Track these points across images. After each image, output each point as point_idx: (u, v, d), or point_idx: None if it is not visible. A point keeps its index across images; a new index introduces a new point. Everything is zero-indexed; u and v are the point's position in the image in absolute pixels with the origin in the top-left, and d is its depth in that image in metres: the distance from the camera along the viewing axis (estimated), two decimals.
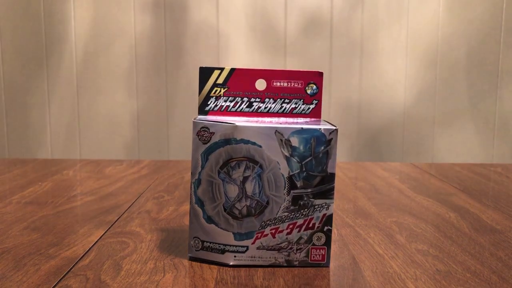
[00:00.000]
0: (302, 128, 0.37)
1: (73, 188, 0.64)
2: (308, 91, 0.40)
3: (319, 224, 0.38)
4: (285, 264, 0.38)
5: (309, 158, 0.37)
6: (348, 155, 1.29)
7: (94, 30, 1.24)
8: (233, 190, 0.37)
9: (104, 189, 0.64)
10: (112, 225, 0.48)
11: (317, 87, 0.40)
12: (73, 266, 0.37)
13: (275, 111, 0.40)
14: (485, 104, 1.26)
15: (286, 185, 0.37)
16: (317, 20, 1.24)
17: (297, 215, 0.37)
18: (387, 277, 0.36)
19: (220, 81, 0.40)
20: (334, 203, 0.58)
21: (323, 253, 0.38)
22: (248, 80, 0.40)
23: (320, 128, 0.37)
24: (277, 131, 0.37)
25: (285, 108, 0.40)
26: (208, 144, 0.37)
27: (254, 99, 0.40)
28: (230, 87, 0.40)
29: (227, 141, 0.37)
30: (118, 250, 0.41)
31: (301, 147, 0.37)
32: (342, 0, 1.23)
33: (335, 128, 0.37)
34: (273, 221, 0.38)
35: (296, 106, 0.40)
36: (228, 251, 0.38)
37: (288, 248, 0.38)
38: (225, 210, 0.38)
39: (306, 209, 0.37)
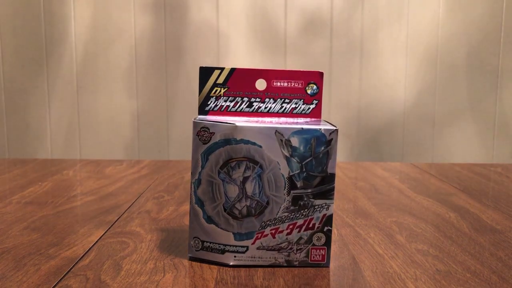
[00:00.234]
0: (302, 128, 0.37)
1: (73, 188, 0.64)
2: (308, 91, 0.40)
3: (319, 224, 0.38)
4: (285, 264, 0.38)
5: (309, 159, 0.37)
6: (348, 155, 1.29)
7: (94, 30, 1.24)
8: (233, 190, 0.37)
9: (104, 189, 0.64)
10: (112, 225, 0.48)
11: (318, 87, 0.40)
12: (73, 266, 0.37)
13: (275, 111, 0.40)
14: (485, 104, 1.26)
15: (286, 185, 0.37)
16: (317, 20, 1.24)
17: (297, 215, 0.37)
18: (387, 277, 0.36)
19: (220, 81, 0.40)
20: (334, 203, 0.58)
21: (323, 254, 0.38)
22: (248, 80, 0.40)
23: (320, 129, 0.37)
24: (277, 131, 0.37)
25: (285, 108, 0.40)
26: (208, 144, 0.37)
27: (254, 99, 0.40)
28: (230, 87, 0.40)
29: (227, 141, 0.37)
30: (118, 250, 0.41)
31: (301, 147, 0.37)
32: (342, 0, 1.23)
33: (335, 128, 0.37)
34: (273, 221, 0.38)
35: (296, 106, 0.40)
36: (228, 251, 0.38)
37: (288, 248, 0.38)
38: (225, 210, 0.38)
39: (306, 210, 0.37)
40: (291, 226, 0.38)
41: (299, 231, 0.38)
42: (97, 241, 0.43)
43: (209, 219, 0.38)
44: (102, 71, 1.26)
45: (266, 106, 0.40)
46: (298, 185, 0.37)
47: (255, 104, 0.40)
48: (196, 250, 0.39)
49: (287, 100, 0.40)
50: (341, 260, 0.39)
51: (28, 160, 0.85)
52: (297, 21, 1.24)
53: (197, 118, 0.38)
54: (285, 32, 1.24)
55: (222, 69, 0.40)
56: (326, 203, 0.37)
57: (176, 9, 1.23)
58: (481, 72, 1.25)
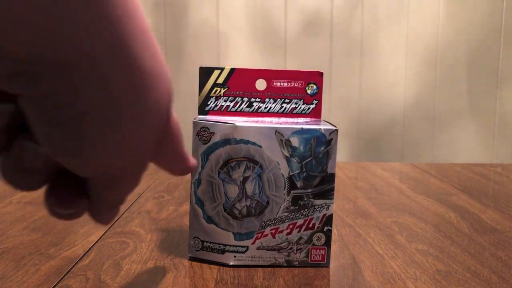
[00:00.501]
0: (302, 128, 0.37)
1: None
2: (308, 91, 0.40)
3: (319, 224, 0.38)
4: (285, 264, 0.38)
5: (309, 158, 0.37)
6: (348, 155, 1.29)
7: None
8: (233, 190, 0.37)
9: None
10: (112, 225, 0.48)
11: (317, 87, 0.40)
12: (73, 266, 0.37)
13: (275, 111, 0.40)
14: (485, 104, 1.26)
15: (286, 185, 0.37)
16: (317, 20, 1.24)
17: (297, 215, 0.37)
18: (387, 277, 0.36)
19: (220, 81, 0.40)
20: (334, 203, 0.58)
21: (323, 253, 0.38)
22: (248, 80, 0.40)
23: (320, 128, 0.37)
24: (277, 131, 0.37)
25: (285, 108, 0.40)
26: (208, 144, 0.37)
27: (254, 99, 0.40)
28: (230, 87, 0.40)
29: (227, 141, 0.37)
30: (118, 250, 0.41)
31: (301, 147, 0.37)
32: (342, 0, 1.23)
33: (335, 128, 0.37)
34: (273, 221, 0.38)
35: (296, 106, 0.40)
36: (228, 251, 0.38)
37: (288, 248, 0.38)
38: (225, 210, 0.38)
39: (306, 209, 0.37)
40: (291, 226, 0.38)
41: (299, 231, 0.38)
42: (97, 241, 0.43)
43: (209, 219, 0.38)
44: None
45: (266, 106, 0.40)
46: (298, 185, 0.37)
47: (255, 104, 0.40)
48: (196, 250, 0.39)
49: (287, 100, 0.40)
50: (341, 260, 0.39)
51: None
52: (297, 21, 1.24)
53: (197, 118, 0.38)
54: (285, 32, 1.24)
55: (222, 69, 0.40)
56: (326, 203, 0.37)
57: (176, 9, 1.23)
58: (481, 72, 1.25)
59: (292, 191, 0.37)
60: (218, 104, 0.40)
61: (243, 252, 0.38)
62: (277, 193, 0.37)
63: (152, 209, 0.55)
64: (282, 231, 0.38)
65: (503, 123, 1.27)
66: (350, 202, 0.59)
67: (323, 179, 0.37)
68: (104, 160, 0.19)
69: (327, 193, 0.37)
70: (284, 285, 0.35)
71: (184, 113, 1.27)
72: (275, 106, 0.40)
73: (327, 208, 0.38)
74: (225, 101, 0.40)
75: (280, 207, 0.37)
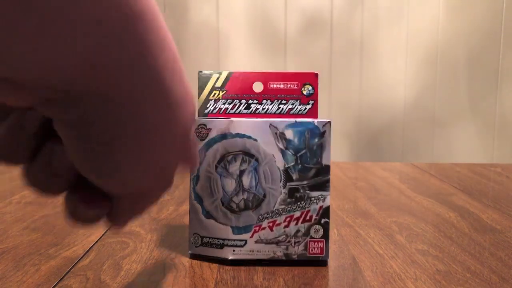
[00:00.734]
0: (296, 121, 0.37)
1: None
2: (304, 92, 0.41)
3: (316, 216, 0.38)
4: (283, 258, 0.38)
5: (304, 151, 0.37)
6: (348, 155, 1.29)
7: None
8: (230, 184, 0.38)
9: None
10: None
11: (313, 88, 0.41)
12: (73, 266, 0.37)
13: (272, 112, 0.41)
14: (485, 104, 1.26)
15: (282, 177, 0.38)
16: (317, 20, 1.24)
17: (294, 207, 0.38)
18: (387, 277, 0.36)
19: (218, 84, 0.41)
20: (334, 203, 0.58)
21: (322, 246, 0.38)
22: (245, 83, 0.41)
23: (313, 121, 0.37)
24: (272, 125, 0.37)
25: (282, 109, 0.41)
26: (206, 140, 0.38)
27: (252, 101, 0.41)
28: (228, 90, 0.41)
29: (223, 136, 0.38)
30: (118, 250, 0.41)
31: (296, 140, 0.37)
32: (342, 0, 1.23)
33: (328, 120, 0.38)
34: (270, 214, 0.38)
35: (293, 106, 0.41)
36: (226, 245, 0.38)
37: (286, 241, 0.38)
38: (223, 204, 0.38)
39: (302, 202, 0.38)
40: (288, 219, 0.38)
41: (296, 224, 0.38)
42: (97, 241, 0.43)
43: (208, 214, 0.38)
44: None
45: (264, 107, 0.41)
46: (294, 177, 0.38)
47: (252, 105, 0.41)
48: (195, 247, 0.39)
49: (283, 101, 0.41)
50: (341, 260, 0.40)
51: None
52: (297, 21, 1.24)
53: (196, 118, 0.39)
54: (285, 32, 1.24)
55: (220, 73, 0.41)
56: (322, 195, 0.38)
57: (176, 9, 1.24)
58: (481, 72, 1.25)
59: (288, 184, 0.38)
60: (217, 106, 0.40)
61: (242, 246, 0.38)
62: (274, 186, 0.38)
63: (152, 209, 0.55)
64: (279, 224, 0.38)
65: (503, 123, 1.27)
66: (350, 202, 0.59)
67: (318, 170, 0.38)
68: (131, 182, 0.20)
69: (323, 185, 0.38)
70: (284, 285, 0.35)
71: None
72: (272, 107, 0.41)
73: (324, 200, 0.38)
74: (224, 103, 0.41)
75: (277, 200, 0.38)
